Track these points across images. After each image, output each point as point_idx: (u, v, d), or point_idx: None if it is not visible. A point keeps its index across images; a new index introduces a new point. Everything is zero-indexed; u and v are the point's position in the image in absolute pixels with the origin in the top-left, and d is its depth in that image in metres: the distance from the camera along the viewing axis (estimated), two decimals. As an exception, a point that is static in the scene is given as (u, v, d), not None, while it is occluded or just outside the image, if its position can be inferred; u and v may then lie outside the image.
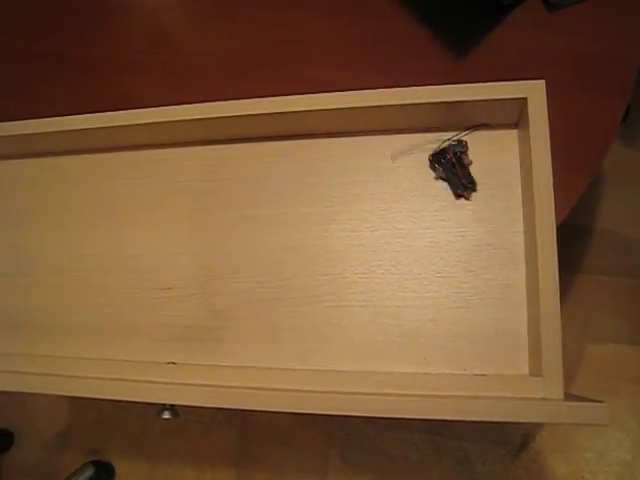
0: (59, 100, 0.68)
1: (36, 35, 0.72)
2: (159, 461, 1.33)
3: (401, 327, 0.49)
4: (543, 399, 0.40)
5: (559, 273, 0.42)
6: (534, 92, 0.45)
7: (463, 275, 0.49)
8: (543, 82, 0.45)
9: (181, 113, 0.52)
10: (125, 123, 0.54)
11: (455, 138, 0.50)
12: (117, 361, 0.51)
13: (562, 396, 0.40)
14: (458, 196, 0.50)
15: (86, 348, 0.55)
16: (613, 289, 1.17)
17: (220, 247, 0.55)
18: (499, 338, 0.47)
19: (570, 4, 0.56)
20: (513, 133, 0.50)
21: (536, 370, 0.43)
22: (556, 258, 0.42)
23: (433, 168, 0.51)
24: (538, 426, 1.15)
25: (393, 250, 0.51)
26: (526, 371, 0.45)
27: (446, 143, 0.51)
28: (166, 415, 0.49)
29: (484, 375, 0.45)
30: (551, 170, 0.44)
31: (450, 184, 0.50)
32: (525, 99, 0.46)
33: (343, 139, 0.54)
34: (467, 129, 0.50)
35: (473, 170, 0.50)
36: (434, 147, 0.51)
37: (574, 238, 1.19)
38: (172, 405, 0.48)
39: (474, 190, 0.50)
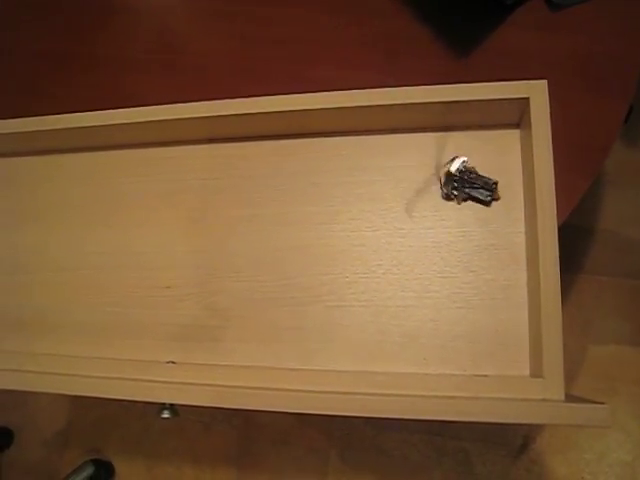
0: (63, 98, 0.68)
1: (41, 33, 0.72)
2: (159, 460, 1.33)
3: (401, 327, 0.49)
4: (544, 400, 0.40)
5: (560, 273, 0.42)
6: (536, 92, 0.45)
7: (464, 275, 0.49)
8: (545, 82, 0.45)
9: (185, 111, 0.52)
10: (129, 121, 0.54)
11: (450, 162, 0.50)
12: (117, 360, 0.51)
13: (563, 397, 0.40)
14: (490, 202, 0.49)
15: (87, 347, 0.55)
16: (614, 290, 1.17)
17: (222, 246, 0.55)
18: (500, 339, 0.47)
19: (573, 4, 0.56)
20: (515, 133, 0.50)
21: (537, 371, 0.43)
22: (557, 258, 0.42)
23: (451, 198, 0.50)
24: (539, 427, 1.14)
25: (394, 250, 0.51)
26: (527, 372, 0.45)
27: (447, 168, 0.50)
28: (166, 414, 0.49)
29: (485, 376, 0.45)
30: (553, 170, 0.43)
31: (476, 200, 0.50)
32: (527, 99, 0.45)
33: (347, 138, 0.54)
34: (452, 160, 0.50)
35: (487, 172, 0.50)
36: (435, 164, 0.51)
37: (575, 238, 1.19)
38: (172, 404, 0.48)
39: (496, 185, 0.49)
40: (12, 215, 0.62)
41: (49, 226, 0.60)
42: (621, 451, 1.11)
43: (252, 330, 0.52)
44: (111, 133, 0.56)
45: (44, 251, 0.60)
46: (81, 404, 1.40)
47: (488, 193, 0.49)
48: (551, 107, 0.45)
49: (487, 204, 0.50)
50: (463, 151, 0.51)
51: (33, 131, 0.57)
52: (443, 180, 0.50)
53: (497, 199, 0.49)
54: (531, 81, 0.45)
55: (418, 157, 0.52)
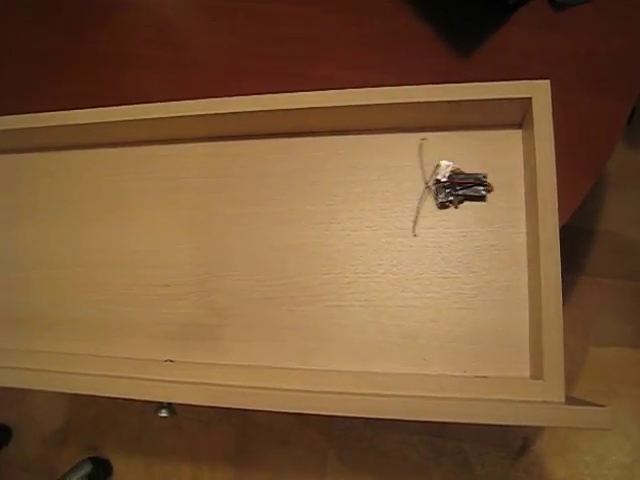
0: (63, 95, 0.68)
1: (41, 32, 0.72)
2: (157, 459, 1.33)
3: (401, 327, 0.48)
4: (544, 402, 0.40)
5: (561, 275, 0.41)
6: (539, 92, 0.45)
7: (465, 276, 0.48)
8: (548, 82, 0.45)
9: (184, 109, 0.52)
10: (128, 118, 0.53)
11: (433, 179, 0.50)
12: (114, 358, 0.50)
13: (563, 399, 0.40)
14: (485, 196, 0.49)
15: (85, 345, 0.55)
16: (616, 292, 1.16)
17: (221, 244, 0.54)
18: (500, 340, 0.46)
19: (576, 4, 0.55)
20: (517, 133, 0.50)
21: (537, 373, 0.42)
22: (559, 260, 0.42)
23: (447, 205, 0.50)
24: (538, 429, 1.14)
25: (394, 250, 0.50)
26: (527, 374, 0.45)
27: (434, 177, 0.50)
28: (163, 413, 0.48)
29: (485, 377, 0.44)
30: (555, 171, 0.43)
31: (473, 199, 0.49)
32: (530, 99, 0.45)
33: (347, 137, 0.54)
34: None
35: (475, 170, 0.50)
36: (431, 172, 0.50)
37: (577, 240, 1.19)
38: (169, 403, 0.48)
39: (487, 179, 0.49)
40: (10, 211, 0.62)
41: (47, 223, 0.60)
42: (621, 454, 1.10)
43: (251, 329, 0.52)
44: (110, 130, 0.56)
45: (42, 248, 0.59)
46: (79, 402, 1.40)
47: (482, 188, 0.49)
48: (553, 107, 0.44)
49: (483, 199, 0.50)
50: (464, 150, 0.50)
51: (32, 128, 0.56)
52: (435, 190, 0.50)
53: (491, 190, 0.49)
54: (533, 81, 0.45)
55: (418, 157, 0.51)
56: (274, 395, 0.43)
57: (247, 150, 0.56)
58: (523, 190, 0.48)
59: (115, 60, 0.68)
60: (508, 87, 0.46)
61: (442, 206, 0.50)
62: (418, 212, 0.50)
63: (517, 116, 0.48)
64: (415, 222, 0.50)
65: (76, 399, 1.39)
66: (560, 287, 0.41)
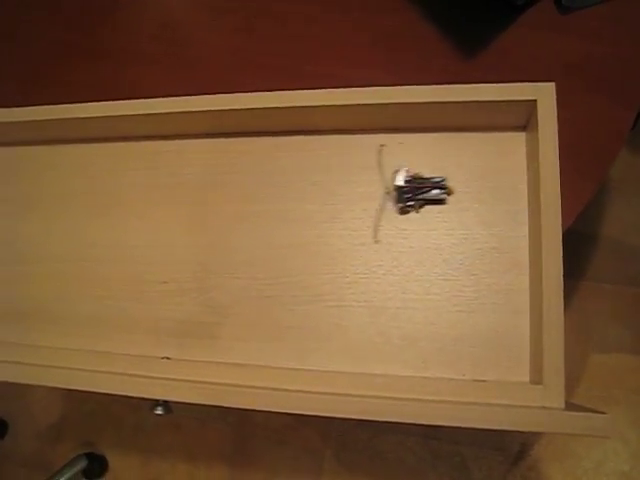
0: (67, 88, 0.67)
1: (45, 24, 0.71)
2: (153, 456, 1.32)
3: (401, 329, 0.48)
4: (543, 408, 0.40)
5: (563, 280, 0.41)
6: (544, 95, 0.45)
7: (465, 278, 0.48)
8: (553, 85, 0.44)
9: (189, 105, 0.52)
10: (132, 113, 0.53)
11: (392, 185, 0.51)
12: (111, 354, 0.50)
13: (563, 405, 0.39)
14: (445, 199, 0.50)
15: (84, 340, 0.55)
16: (617, 297, 1.16)
17: (221, 242, 0.54)
18: (500, 344, 0.46)
19: (583, 7, 0.55)
20: (521, 136, 0.49)
21: (537, 378, 0.42)
22: (561, 264, 0.41)
23: (408, 210, 0.50)
24: (536, 434, 1.14)
25: (395, 251, 0.50)
26: (527, 378, 0.44)
27: (394, 183, 0.50)
28: (159, 411, 0.48)
29: (484, 381, 0.44)
30: (559, 175, 0.43)
31: (433, 202, 0.50)
32: (534, 101, 0.45)
33: (351, 136, 0.53)
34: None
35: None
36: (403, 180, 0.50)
37: (579, 245, 1.18)
38: (165, 401, 0.48)
39: (445, 181, 0.50)
40: (12, 204, 0.62)
41: (49, 217, 0.60)
42: (619, 460, 1.10)
43: (249, 328, 0.51)
44: (113, 125, 0.56)
45: (44, 242, 0.59)
46: (75, 397, 1.39)
47: (441, 191, 0.49)
48: (558, 111, 0.44)
49: (443, 202, 0.50)
50: (467, 152, 0.50)
51: (35, 120, 0.56)
52: (395, 196, 0.50)
53: (451, 193, 0.50)
54: (538, 83, 0.45)
55: (421, 158, 0.51)
56: (271, 395, 0.43)
57: (250, 147, 0.56)
58: (526, 193, 0.48)
59: (119, 55, 0.67)
60: (513, 89, 0.45)
61: (403, 212, 0.50)
62: (378, 219, 0.51)
63: (521, 118, 0.48)
64: (375, 228, 0.51)
65: (72, 394, 1.39)
66: (562, 291, 0.41)
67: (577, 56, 0.55)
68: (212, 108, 0.51)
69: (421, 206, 0.50)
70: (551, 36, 0.56)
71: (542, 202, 0.43)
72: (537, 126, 0.44)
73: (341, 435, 1.23)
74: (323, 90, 0.49)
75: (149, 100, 0.53)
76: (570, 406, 0.40)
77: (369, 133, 0.53)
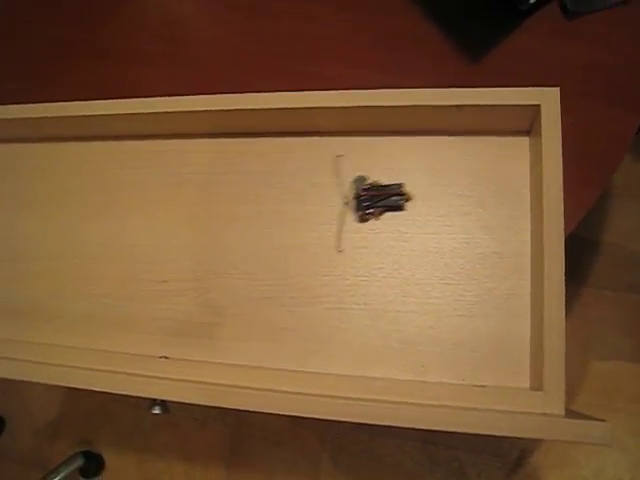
0: (66, 86, 0.67)
1: (46, 21, 0.71)
2: (150, 455, 1.32)
3: (401, 332, 0.48)
4: (543, 414, 0.39)
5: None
6: (548, 99, 0.44)
7: (466, 283, 0.48)
8: (557, 90, 0.44)
9: (188, 104, 0.52)
10: (132, 111, 0.53)
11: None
12: (108, 352, 0.50)
13: (563, 412, 0.39)
14: (404, 205, 0.50)
15: (81, 338, 0.55)
16: (618, 305, 1.15)
17: (221, 242, 0.54)
18: (500, 349, 0.46)
19: (589, 12, 0.55)
20: (524, 140, 0.49)
21: (537, 384, 0.42)
22: (563, 270, 0.41)
23: (367, 218, 0.51)
24: (536, 441, 1.13)
25: (396, 254, 0.50)
26: (526, 384, 0.44)
27: (352, 192, 0.51)
28: (156, 410, 0.48)
29: (483, 386, 0.44)
30: (562, 180, 0.43)
31: (392, 209, 0.50)
32: (538, 106, 0.45)
33: (352, 138, 0.53)
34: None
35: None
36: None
37: (580, 251, 1.18)
38: (163, 400, 0.48)
39: (403, 186, 0.50)
40: (10, 201, 0.61)
41: (48, 214, 0.60)
42: (618, 469, 1.09)
43: (248, 329, 0.51)
44: (113, 123, 0.56)
45: (42, 239, 0.59)
46: (73, 394, 1.39)
47: (399, 197, 0.50)
48: (562, 115, 0.44)
49: (402, 208, 0.50)
50: (470, 156, 0.50)
51: (35, 118, 0.56)
52: (354, 205, 0.51)
53: (410, 199, 0.50)
54: (543, 88, 0.45)
55: (424, 161, 0.51)
56: (269, 396, 0.42)
57: (250, 148, 0.55)
58: (529, 198, 0.48)
59: (119, 54, 0.67)
60: (517, 93, 0.45)
61: (363, 220, 0.51)
62: (340, 227, 0.51)
63: (525, 123, 0.48)
64: (339, 237, 0.51)
65: (71, 392, 1.39)
66: (563, 297, 0.41)
67: (582, 61, 0.55)
68: (213, 108, 0.51)
69: (380, 213, 0.50)
70: (556, 41, 0.55)
71: (545, 207, 0.43)
72: (541, 131, 0.44)
73: (338, 438, 1.23)
74: (325, 92, 0.48)
75: (150, 99, 0.53)
76: (570, 413, 0.39)
77: (370, 135, 0.53)
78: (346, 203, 0.51)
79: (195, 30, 0.66)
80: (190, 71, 0.64)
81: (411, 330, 0.48)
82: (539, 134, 0.45)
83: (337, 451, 1.22)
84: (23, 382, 0.48)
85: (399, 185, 0.50)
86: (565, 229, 0.42)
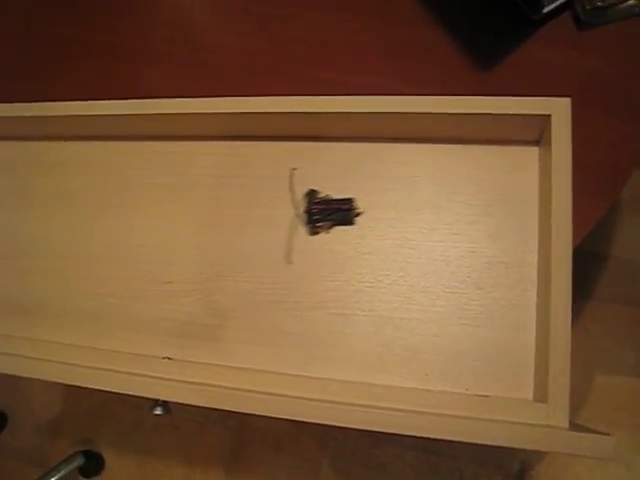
0: (78, 85, 0.68)
1: (60, 19, 0.72)
2: (150, 456, 1.32)
3: (405, 340, 0.48)
4: (547, 426, 0.39)
5: (571, 298, 0.41)
6: (559, 109, 0.44)
7: (472, 292, 0.47)
8: (569, 100, 0.44)
9: (199, 106, 0.52)
10: (142, 112, 0.53)
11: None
12: (112, 352, 0.50)
13: (567, 425, 0.39)
14: (353, 220, 0.51)
15: (84, 336, 0.55)
16: (624, 319, 1.15)
17: (228, 244, 0.54)
18: (504, 359, 0.45)
19: (602, 24, 0.55)
20: (533, 150, 0.49)
21: (541, 396, 0.41)
22: (570, 282, 0.41)
23: (317, 231, 0.52)
24: (538, 454, 1.12)
25: (402, 261, 0.50)
26: (530, 396, 0.44)
27: (303, 205, 0.52)
28: (158, 411, 0.48)
29: (486, 396, 0.44)
30: (571, 191, 0.42)
31: (342, 223, 0.51)
32: (549, 116, 0.44)
33: (361, 144, 0.53)
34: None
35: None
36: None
37: (587, 264, 1.17)
38: (165, 401, 0.47)
39: (353, 201, 0.51)
40: (19, 198, 0.62)
41: (54, 212, 0.60)
42: (621, 484, 1.08)
43: (252, 332, 0.51)
44: (123, 123, 0.56)
45: (48, 237, 0.59)
46: (75, 393, 1.39)
47: (349, 212, 0.51)
48: (572, 127, 0.44)
49: (351, 223, 0.51)
50: (478, 165, 0.50)
51: (45, 116, 0.56)
52: (305, 219, 0.51)
53: (360, 213, 0.51)
54: (554, 98, 0.44)
55: (433, 168, 0.51)
56: (271, 400, 0.42)
57: (260, 151, 0.55)
58: (537, 208, 0.48)
59: (131, 54, 0.68)
60: (527, 103, 0.45)
61: (313, 233, 0.51)
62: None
63: (534, 133, 0.48)
64: (289, 247, 0.52)
65: (73, 390, 1.39)
66: (570, 309, 0.40)
67: (594, 73, 0.54)
68: (223, 111, 0.51)
69: (330, 227, 0.51)
70: (568, 52, 0.55)
71: (553, 218, 0.42)
72: (551, 141, 0.44)
73: (340, 444, 1.22)
74: (336, 97, 0.49)
75: (161, 100, 0.53)
76: (573, 426, 0.39)
77: (379, 142, 0.53)
78: (296, 216, 0.52)
79: (208, 34, 0.67)
80: (202, 73, 0.64)
81: (415, 338, 0.48)
82: (549, 144, 0.44)
83: (338, 458, 1.22)
84: (25, 379, 0.48)
85: (350, 200, 0.51)
86: (573, 240, 0.42)
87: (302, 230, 0.52)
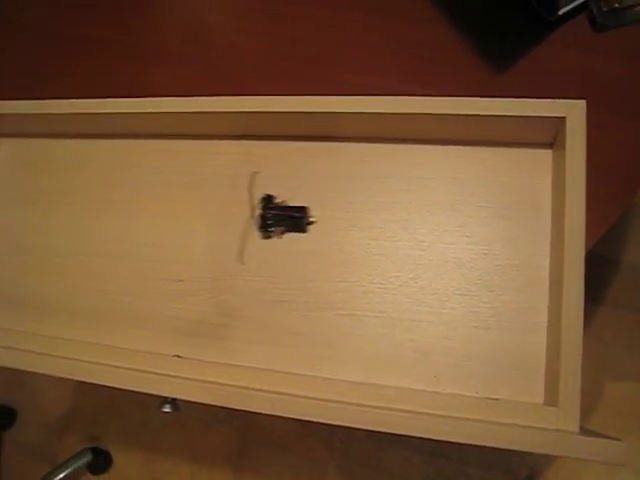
0: (88, 82, 0.68)
1: (74, 17, 0.72)
2: (157, 454, 1.32)
3: (414, 342, 0.47)
4: (557, 430, 0.39)
5: (582, 302, 0.40)
6: (574, 112, 0.44)
7: (483, 294, 0.47)
8: (584, 102, 0.44)
9: (209, 105, 0.52)
10: (152, 110, 0.53)
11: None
12: (121, 349, 0.50)
13: (577, 429, 0.38)
14: (306, 227, 0.52)
15: (92, 333, 0.55)
16: (635, 325, 1.13)
17: (238, 244, 0.54)
18: (515, 362, 0.45)
19: (619, 26, 0.54)
20: (547, 153, 0.49)
21: (552, 400, 0.41)
22: (582, 286, 0.41)
23: (270, 236, 0.53)
24: (547, 459, 1.11)
25: (413, 262, 0.49)
26: (540, 400, 0.44)
27: (258, 210, 0.53)
28: (167, 408, 0.48)
29: (496, 399, 0.43)
30: (585, 195, 0.42)
31: (295, 230, 0.52)
32: (563, 118, 0.44)
33: (373, 145, 0.53)
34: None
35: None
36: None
37: (599, 268, 1.16)
38: (173, 399, 0.48)
39: (306, 209, 0.52)
40: (24, 194, 0.62)
41: (61, 208, 0.60)
42: (630, 492, 1.07)
43: (261, 331, 0.51)
44: (131, 121, 0.56)
45: (56, 233, 0.60)
46: (84, 390, 1.40)
47: (301, 220, 0.51)
48: (587, 130, 0.43)
49: (304, 230, 0.52)
50: (491, 167, 0.50)
51: (54, 113, 0.57)
52: (259, 223, 0.52)
53: (312, 222, 0.52)
54: (569, 100, 0.44)
55: (445, 170, 0.51)
56: (279, 399, 0.42)
57: (270, 151, 0.55)
58: (549, 211, 0.47)
59: (142, 53, 0.68)
60: (542, 105, 0.45)
61: (266, 237, 0.52)
62: (244, 240, 0.53)
63: (548, 135, 0.47)
64: (242, 249, 0.53)
65: (81, 387, 1.40)
66: (582, 313, 0.40)
67: (610, 76, 0.54)
68: (235, 110, 0.51)
69: (282, 232, 0.52)
70: (584, 54, 0.55)
71: (566, 221, 0.42)
72: (565, 144, 0.44)
73: (346, 446, 1.22)
74: (348, 97, 0.48)
75: (174, 99, 0.53)
76: (584, 431, 0.39)
77: (393, 143, 0.52)
78: (251, 219, 0.53)
79: (221, 33, 0.67)
80: (215, 73, 0.65)
81: (425, 340, 0.47)
82: (563, 147, 0.44)
83: (344, 460, 1.21)
84: (35, 376, 0.48)
85: (303, 208, 0.52)
86: (585, 245, 0.42)
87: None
